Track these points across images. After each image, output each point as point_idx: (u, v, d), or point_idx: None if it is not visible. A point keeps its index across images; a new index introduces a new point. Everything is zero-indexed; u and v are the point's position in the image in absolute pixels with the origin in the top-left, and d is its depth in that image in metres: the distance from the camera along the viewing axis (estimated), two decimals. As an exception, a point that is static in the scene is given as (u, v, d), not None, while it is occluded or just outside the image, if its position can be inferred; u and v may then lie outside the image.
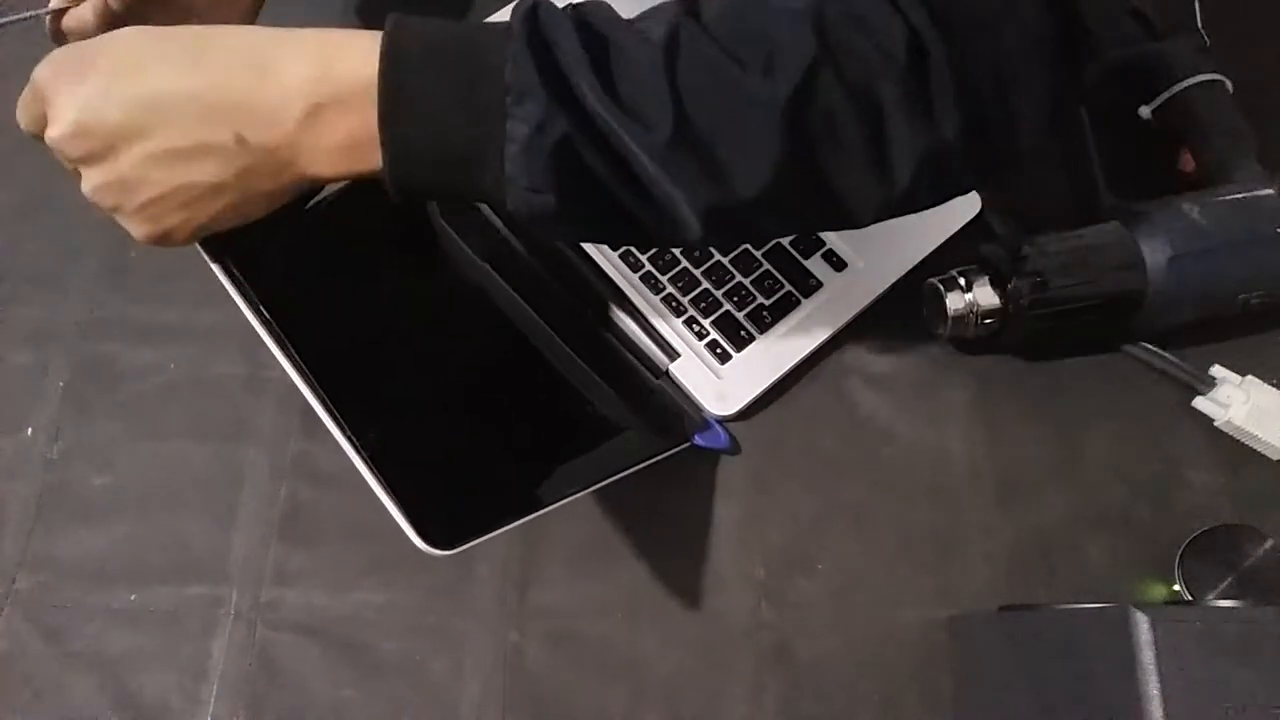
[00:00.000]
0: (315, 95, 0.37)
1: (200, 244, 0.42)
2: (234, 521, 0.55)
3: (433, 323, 0.55)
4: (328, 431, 0.39)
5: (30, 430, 0.57)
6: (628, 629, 0.53)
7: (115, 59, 0.38)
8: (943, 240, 0.60)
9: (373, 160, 0.38)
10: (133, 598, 0.53)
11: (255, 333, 0.41)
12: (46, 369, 0.59)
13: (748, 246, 0.60)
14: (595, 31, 0.37)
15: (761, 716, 0.51)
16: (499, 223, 0.59)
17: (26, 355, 0.59)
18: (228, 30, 0.39)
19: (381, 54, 0.37)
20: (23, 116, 0.40)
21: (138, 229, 0.41)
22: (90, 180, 0.40)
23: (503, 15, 0.65)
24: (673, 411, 0.56)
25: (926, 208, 0.43)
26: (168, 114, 0.37)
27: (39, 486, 0.56)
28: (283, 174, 0.39)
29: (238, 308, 0.42)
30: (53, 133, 0.39)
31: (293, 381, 0.40)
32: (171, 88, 0.37)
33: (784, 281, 0.60)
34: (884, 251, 0.60)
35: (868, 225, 0.43)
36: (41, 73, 0.39)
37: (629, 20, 0.39)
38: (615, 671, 0.52)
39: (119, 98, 0.37)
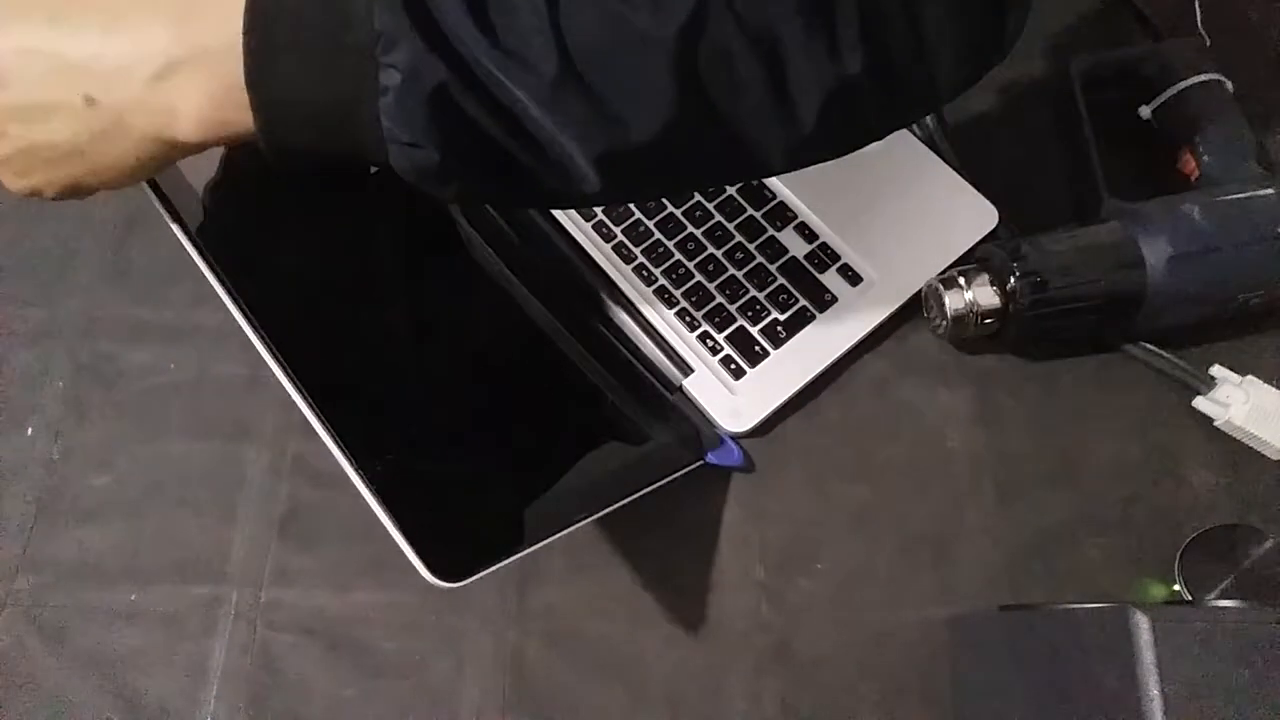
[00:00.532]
0: (168, 54, 0.36)
1: (205, 257, 0.42)
2: (234, 521, 0.55)
3: (438, 344, 0.54)
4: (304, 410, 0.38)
5: (30, 430, 0.57)
6: (628, 629, 0.53)
7: None
8: (959, 254, 0.59)
9: (240, 123, 0.36)
10: (133, 598, 0.53)
11: (245, 324, 0.41)
12: (46, 369, 0.59)
13: (761, 260, 0.60)
14: None
15: (761, 716, 0.51)
16: (511, 235, 0.58)
17: (26, 355, 0.59)
18: None
19: (245, 8, 0.35)
20: None
21: (6, 181, 0.40)
22: None
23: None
24: (686, 428, 0.56)
25: (841, 153, 0.42)
26: (21, 70, 0.37)
27: (39, 486, 0.56)
28: (137, 135, 0.37)
29: (240, 308, 0.41)
30: None
31: (280, 379, 0.39)
32: (27, 43, 0.37)
33: (798, 296, 0.59)
34: (900, 265, 0.59)
35: (779, 172, 0.41)
36: None
37: None
38: (615, 671, 0.52)
39: None
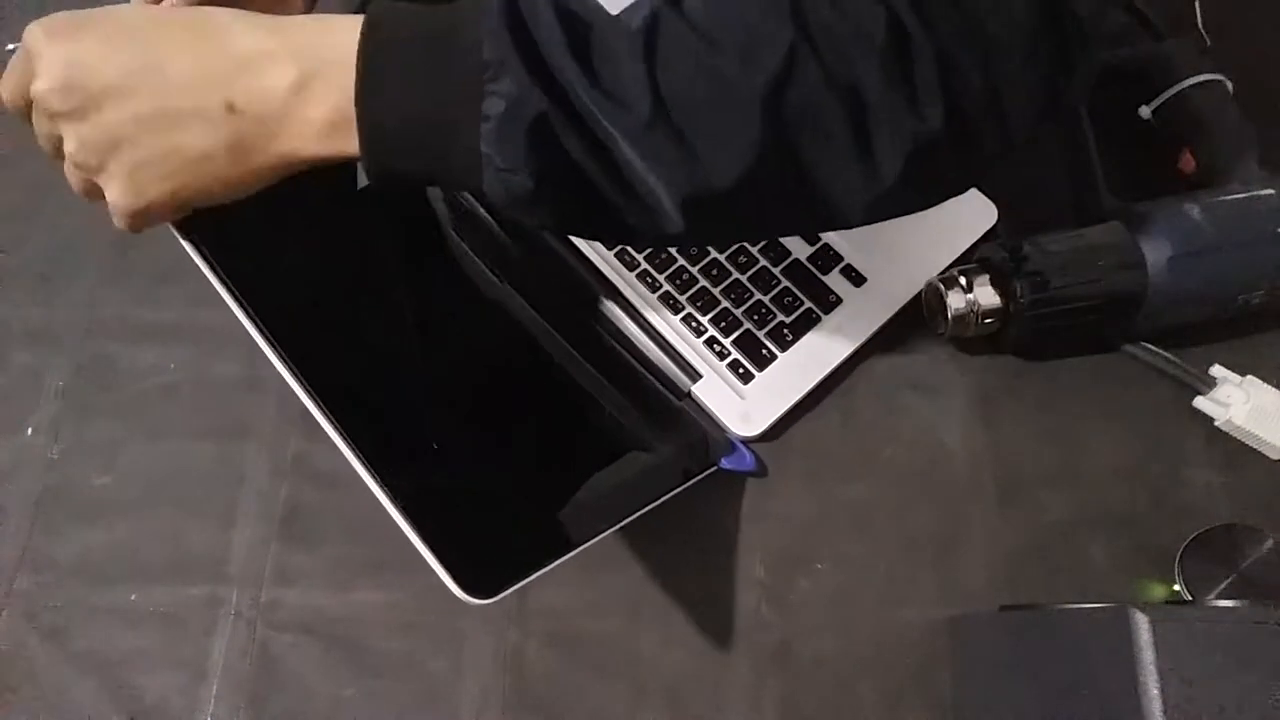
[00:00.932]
0: (303, 69, 0.37)
1: (226, 286, 0.42)
2: (234, 521, 0.55)
3: (451, 358, 0.54)
4: (329, 434, 0.39)
5: (30, 430, 0.57)
6: (628, 629, 0.53)
7: (112, 26, 0.39)
8: (960, 252, 0.59)
9: (352, 141, 0.38)
10: (133, 598, 0.53)
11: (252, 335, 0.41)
12: (46, 369, 0.59)
13: (765, 264, 0.60)
14: (574, 13, 0.37)
15: (761, 716, 0.51)
16: (516, 247, 0.58)
17: (26, 355, 0.59)
18: (226, 10, 0.39)
19: (362, 29, 0.37)
20: (8, 81, 0.40)
21: (120, 197, 0.40)
22: (75, 136, 0.39)
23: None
24: (697, 435, 0.56)
25: (919, 208, 0.43)
26: (160, 76, 0.38)
27: (39, 486, 0.56)
28: (269, 145, 0.38)
29: (238, 308, 0.42)
30: (39, 85, 0.38)
31: (301, 399, 0.40)
32: (165, 54, 0.38)
33: (803, 298, 0.59)
34: (902, 265, 0.59)
35: (858, 224, 0.42)
36: (33, 31, 0.39)
37: (604, 6, 0.38)
38: (615, 671, 0.52)
39: (113, 57, 0.38)
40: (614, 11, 0.39)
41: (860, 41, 0.37)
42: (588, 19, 0.37)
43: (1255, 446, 0.56)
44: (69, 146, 0.39)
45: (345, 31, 0.37)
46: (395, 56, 0.37)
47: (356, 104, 0.37)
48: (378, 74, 0.37)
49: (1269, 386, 0.56)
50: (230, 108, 0.38)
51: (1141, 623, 0.37)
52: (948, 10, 0.38)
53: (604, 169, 0.38)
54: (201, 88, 0.38)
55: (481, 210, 0.58)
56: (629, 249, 0.61)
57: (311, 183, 0.41)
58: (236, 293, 0.42)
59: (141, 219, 0.41)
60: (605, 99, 0.36)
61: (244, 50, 0.38)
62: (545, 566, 0.40)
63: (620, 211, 0.39)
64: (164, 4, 0.44)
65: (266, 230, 0.46)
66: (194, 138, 0.38)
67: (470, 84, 0.36)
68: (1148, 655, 0.36)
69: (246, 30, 0.38)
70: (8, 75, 0.40)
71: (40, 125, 0.40)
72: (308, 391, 0.40)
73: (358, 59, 0.37)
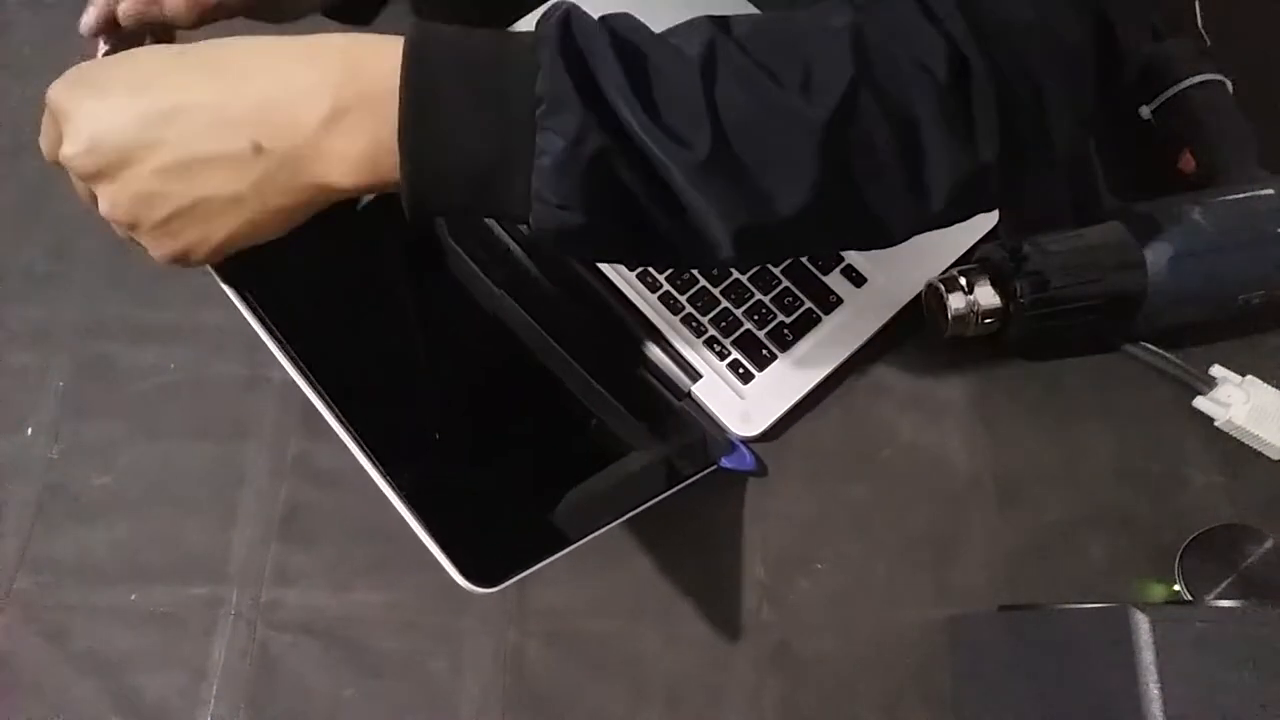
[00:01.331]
0: (339, 99, 0.36)
1: (232, 286, 0.42)
2: (234, 521, 0.55)
3: (454, 354, 0.54)
4: (328, 431, 0.39)
5: (30, 430, 0.57)
6: (628, 629, 0.53)
7: (130, 74, 0.38)
8: (962, 253, 0.59)
9: (393, 171, 0.36)
10: (133, 598, 0.53)
11: (255, 333, 0.41)
12: (46, 369, 0.59)
13: (767, 264, 0.60)
14: (630, 45, 0.36)
15: (761, 716, 0.51)
16: (516, 249, 0.58)
17: (26, 355, 0.59)
18: (247, 39, 0.38)
19: (404, 58, 0.35)
20: (43, 141, 0.40)
21: (157, 247, 0.40)
22: (106, 197, 0.38)
23: (528, 24, 0.65)
24: (697, 434, 0.56)
25: (957, 222, 0.43)
26: (183, 125, 0.36)
27: (39, 486, 0.56)
28: (300, 181, 0.37)
29: (238, 309, 0.42)
30: (67, 150, 0.38)
31: (297, 385, 0.40)
32: (187, 99, 0.37)
33: (804, 299, 0.59)
34: (903, 265, 0.59)
35: (899, 243, 0.42)
36: (55, 91, 0.38)
37: (661, 35, 0.38)
38: (615, 671, 0.52)
39: (134, 111, 0.37)
40: (656, 27, 0.38)
41: (920, 76, 0.37)
42: (643, 49, 0.36)
43: (1255, 446, 0.56)
44: (103, 207, 0.39)
45: (383, 57, 0.36)
46: (443, 89, 0.35)
47: (400, 138, 0.35)
48: (424, 108, 0.35)
49: (1269, 386, 0.56)
50: (257, 149, 0.36)
51: (1141, 623, 0.37)
52: (1008, 44, 0.38)
53: (660, 203, 0.37)
54: (224, 133, 0.36)
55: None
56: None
57: None
58: (241, 291, 0.42)
59: (182, 263, 0.40)
60: (664, 134, 0.35)
61: (266, 87, 0.36)
62: (546, 559, 0.40)
63: (671, 244, 0.39)
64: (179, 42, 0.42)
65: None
66: (221, 184, 0.37)
67: (525, 119, 0.35)
68: (1148, 655, 0.36)
69: (269, 62, 0.37)
70: (42, 138, 0.40)
71: (75, 184, 0.40)
72: (313, 386, 0.40)
73: (401, 90, 0.35)
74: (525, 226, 0.38)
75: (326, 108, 0.36)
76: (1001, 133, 0.38)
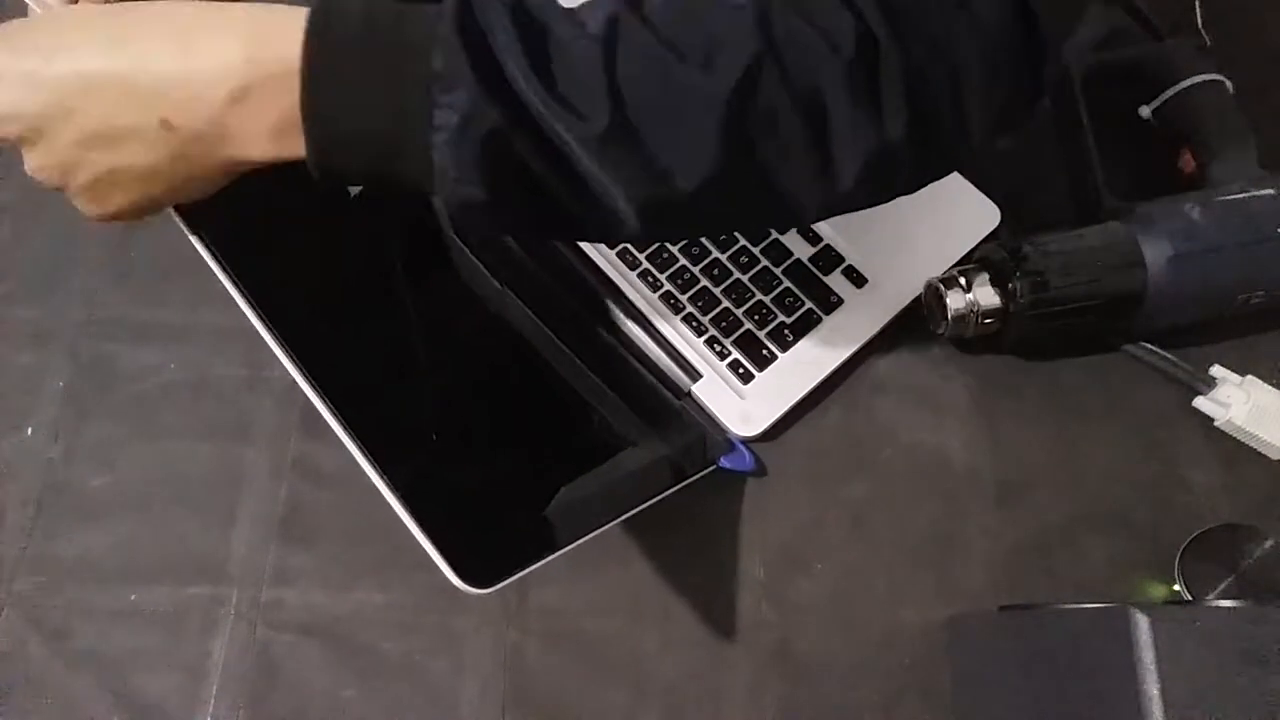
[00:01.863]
0: (242, 77, 0.36)
1: (238, 284, 0.42)
2: (234, 521, 0.55)
3: (453, 352, 0.54)
4: (328, 431, 0.39)
5: (30, 430, 0.57)
6: (628, 629, 0.53)
7: (46, 39, 0.38)
8: (962, 254, 0.59)
9: (301, 145, 0.37)
10: (133, 598, 0.53)
11: (255, 332, 0.41)
12: (46, 369, 0.59)
13: (766, 264, 0.60)
14: (531, 18, 0.36)
15: (761, 716, 0.51)
16: (516, 247, 0.58)
17: (26, 355, 0.59)
18: (157, 5, 0.38)
19: (306, 35, 0.35)
20: None
21: (85, 207, 0.41)
22: (31, 161, 0.39)
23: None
24: (696, 434, 0.56)
25: (865, 207, 0.43)
26: (94, 97, 0.37)
27: (39, 486, 0.56)
28: (212, 157, 0.38)
29: (238, 308, 0.42)
30: None
31: (297, 385, 0.40)
32: (98, 68, 0.37)
33: (804, 299, 0.59)
34: (904, 267, 0.59)
35: (810, 224, 0.42)
36: None
37: (566, 9, 0.37)
38: (615, 671, 0.52)
39: (49, 79, 0.37)
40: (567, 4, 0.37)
41: (827, 53, 0.36)
42: (544, 20, 0.36)
43: (1255, 446, 0.56)
44: (28, 168, 0.40)
45: (287, 32, 0.36)
46: (343, 65, 0.35)
47: (302, 112, 0.36)
48: (324, 84, 0.35)
49: (1269, 386, 0.56)
50: (166, 124, 0.37)
51: (1141, 623, 0.37)
52: (920, 22, 0.37)
53: (561, 178, 0.37)
54: (133, 108, 0.37)
55: None
56: (631, 248, 0.61)
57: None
58: (240, 285, 0.42)
59: (114, 221, 0.41)
60: (563, 109, 0.35)
61: (172, 62, 0.37)
62: (543, 559, 0.40)
63: (576, 218, 0.39)
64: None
65: (272, 225, 0.46)
66: (136, 156, 0.38)
67: (421, 94, 0.35)
68: (1148, 655, 0.36)
69: (175, 35, 0.37)
70: None
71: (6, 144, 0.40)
72: (310, 383, 0.40)
73: (302, 64, 0.35)
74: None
75: (231, 85, 0.36)
76: (910, 112, 0.38)
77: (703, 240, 0.61)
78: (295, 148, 0.37)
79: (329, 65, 0.36)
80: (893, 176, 0.41)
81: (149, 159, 0.38)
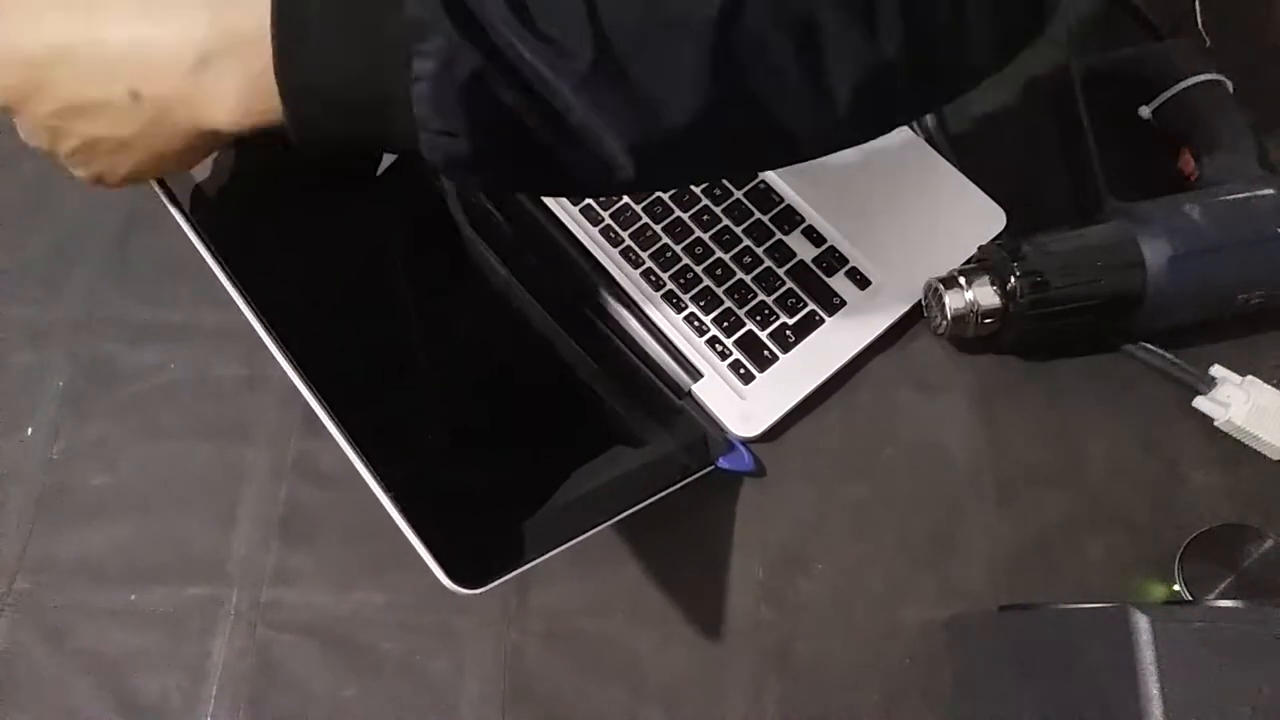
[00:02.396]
0: (206, 43, 0.35)
1: (238, 285, 0.42)
2: (234, 521, 0.55)
3: (452, 351, 0.54)
4: (327, 431, 0.39)
5: (30, 430, 0.57)
6: (627, 629, 0.53)
7: (13, 9, 0.38)
8: (967, 256, 0.59)
9: (274, 110, 0.36)
10: (133, 598, 0.53)
11: (255, 332, 0.41)
12: (46, 369, 0.59)
13: (770, 264, 0.60)
14: None
15: (761, 716, 0.51)
16: (520, 242, 0.58)
17: (26, 355, 0.59)
18: None
19: None
20: None
21: (74, 170, 0.41)
22: (21, 127, 0.40)
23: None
24: (696, 434, 0.56)
25: (872, 136, 0.42)
26: (63, 69, 0.37)
27: (39, 486, 0.56)
28: (184, 126, 0.37)
29: (238, 308, 0.41)
30: None
31: (297, 386, 0.40)
32: (67, 39, 0.37)
33: (807, 300, 0.59)
34: (908, 269, 0.59)
35: (811, 157, 0.41)
36: None
37: None
38: (615, 671, 0.52)
39: (25, 48, 0.37)
40: None
41: None
42: None
43: (1255, 446, 0.56)
44: (21, 134, 0.40)
45: None
46: (314, 20, 0.34)
47: (276, 74, 0.35)
48: (296, 42, 0.35)
49: (1269, 386, 0.56)
50: (135, 95, 0.37)
51: (1141, 623, 0.37)
52: None
53: (547, 122, 0.35)
54: (101, 79, 0.37)
55: (488, 204, 0.58)
56: (634, 247, 0.61)
57: (319, 172, 0.40)
58: (237, 281, 0.42)
59: (106, 187, 0.41)
60: (544, 46, 0.34)
61: (137, 31, 0.36)
62: (536, 559, 0.39)
63: (567, 165, 0.37)
64: None
65: (271, 225, 0.46)
66: (111, 127, 0.38)
67: (397, 43, 0.34)
68: (1148, 655, 0.36)
69: (134, 5, 0.36)
70: None
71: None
72: (305, 381, 0.40)
73: (272, 24, 0.34)
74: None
75: (197, 51, 0.36)
76: (906, 27, 0.36)
77: (705, 239, 0.61)
78: (268, 114, 0.36)
79: (300, 25, 0.35)
80: (891, 101, 0.40)
81: (124, 129, 0.38)
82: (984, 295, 0.55)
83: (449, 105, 0.34)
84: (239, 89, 0.36)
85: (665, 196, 0.62)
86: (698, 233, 0.61)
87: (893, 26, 0.36)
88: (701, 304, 0.59)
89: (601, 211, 0.62)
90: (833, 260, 0.60)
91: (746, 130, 0.39)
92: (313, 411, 0.39)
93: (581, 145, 0.36)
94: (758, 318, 0.59)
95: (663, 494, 0.49)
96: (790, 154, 0.41)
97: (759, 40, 0.36)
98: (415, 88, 0.34)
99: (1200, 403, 0.57)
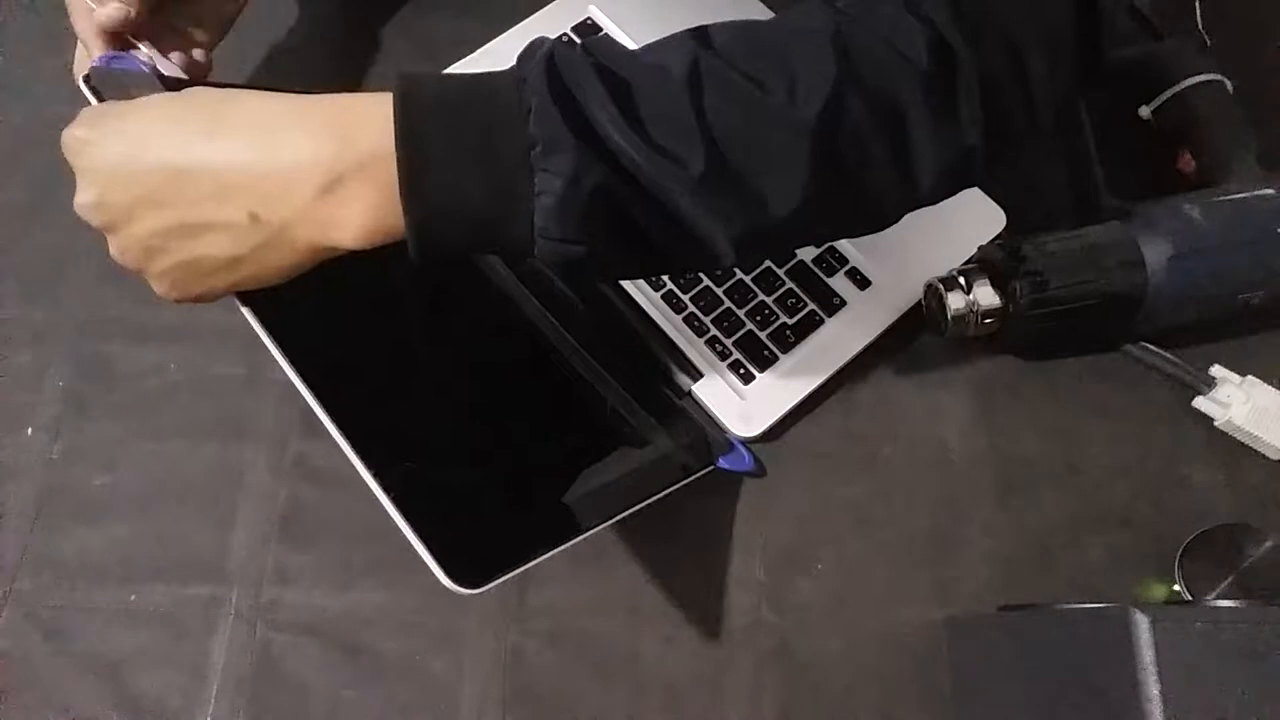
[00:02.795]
0: (332, 169, 0.36)
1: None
2: (234, 521, 0.55)
3: (451, 348, 0.54)
4: (328, 431, 0.39)
5: (30, 430, 0.57)
6: (628, 629, 0.53)
7: (137, 126, 0.38)
8: (967, 256, 0.59)
9: (396, 228, 0.37)
10: (133, 598, 0.53)
11: (254, 333, 0.41)
12: (46, 369, 0.59)
13: (770, 265, 0.60)
14: (614, 73, 0.36)
15: (761, 716, 0.51)
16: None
17: (26, 355, 0.59)
18: (246, 98, 0.39)
19: (395, 120, 0.36)
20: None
21: (162, 290, 0.41)
22: (114, 245, 0.40)
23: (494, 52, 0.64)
24: (696, 433, 0.56)
25: (941, 201, 0.44)
26: (182, 188, 0.37)
27: (39, 486, 0.56)
28: (300, 245, 0.38)
29: (237, 309, 0.42)
30: (78, 199, 0.39)
31: (296, 386, 0.40)
32: (187, 160, 0.37)
33: (807, 300, 0.59)
34: (908, 269, 0.59)
35: (888, 227, 0.43)
36: (67, 137, 0.39)
37: (641, 54, 0.38)
38: (615, 671, 0.52)
39: (138, 169, 0.38)
40: (666, 27, 0.39)
41: (904, 66, 0.38)
42: (628, 75, 0.37)
43: (1255, 446, 0.56)
44: (112, 251, 0.40)
45: (373, 120, 0.36)
46: (437, 144, 0.36)
47: (402, 196, 0.36)
48: (421, 166, 0.35)
49: (1269, 386, 0.56)
50: (254, 218, 0.37)
51: (1141, 623, 0.37)
52: (988, 23, 0.38)
53: (661, 223, 0.37)
54: (222, 200, 0.37)
55: None
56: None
57: None
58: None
59: (192, 303, 0.42)
60: (660, 156, 0.36)
61: (261, 156, 0.37)
62: (536, 559, 0.40)
63: (674, 258, 0.40)
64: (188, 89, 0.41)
65: None
66: (221, 247, 0.38)
67: (520, 163, 0.35)
68: (1148, 655, 0.36)
69: (262, 128, 0.37)
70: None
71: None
72: (305, 382, 0.40)
73: (397, 147, 0.35)
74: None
75: (321, 179, 0.36)
76: (986, 114, 0.39)
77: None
78: (388, 232, 0.37)
79: (423, 149, 0.36)
80: (968, 173, 0.42)
81: (233, 250, 0.38)
82: (984, 295, 0.55)
83: (574, 217, 0.36)
84: (365, 211, 0.37)
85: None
86: (698, 233, 0.61)
87: (974, 119, 0.39)
88: (701, 304, 0.59)
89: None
90: (833, 260, 0.60)
91: (838, 213, 0.41)
92: (312, 411, 0.39)
93: (691, 241, 0.38)
94: (757, 318, 0.59)
95: (663, 494, 0.49)
96: (874, 227, 0.43)
97: (855, 135, 0.38)
98: (539, 200, 0.36)
99: (1200, 403, 0.57)
